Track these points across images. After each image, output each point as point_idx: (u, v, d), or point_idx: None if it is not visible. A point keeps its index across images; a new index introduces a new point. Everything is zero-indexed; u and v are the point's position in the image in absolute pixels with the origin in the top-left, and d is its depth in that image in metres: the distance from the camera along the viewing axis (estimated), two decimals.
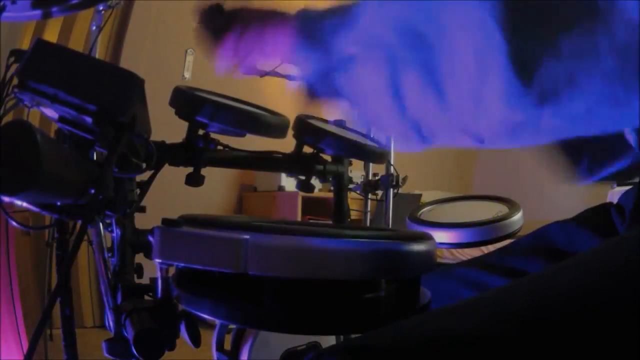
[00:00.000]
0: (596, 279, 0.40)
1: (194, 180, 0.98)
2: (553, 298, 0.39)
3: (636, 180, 0.69)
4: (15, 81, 0.63)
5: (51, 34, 2.52)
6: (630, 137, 0.63)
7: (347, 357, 0.38)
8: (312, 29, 0.48)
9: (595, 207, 0.79)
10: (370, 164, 1.64)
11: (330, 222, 1.37)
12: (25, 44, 2.34)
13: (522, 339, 0.35)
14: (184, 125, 0.99)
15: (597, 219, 0.76)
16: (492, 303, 0.40)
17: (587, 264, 0.43)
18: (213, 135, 1.01)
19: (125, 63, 2.79)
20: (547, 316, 0.37)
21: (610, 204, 0.76)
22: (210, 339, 0.73)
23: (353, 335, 0.45)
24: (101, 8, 1.24)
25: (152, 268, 0.66)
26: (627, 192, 0.73)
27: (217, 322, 0.71)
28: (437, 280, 0.77)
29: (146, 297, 0.77)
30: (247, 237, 0.49)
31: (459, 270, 0.79)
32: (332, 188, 1.19)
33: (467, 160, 5.58)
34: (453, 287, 0.78)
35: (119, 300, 0.77)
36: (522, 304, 0.39)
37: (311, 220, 2.55)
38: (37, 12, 0.81)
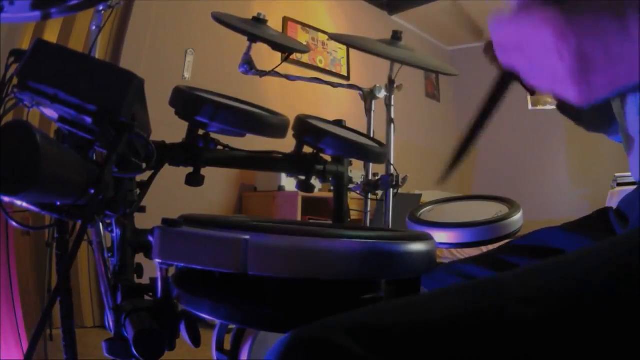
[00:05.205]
0: (601, 275, 0.40)
1: (194, 180, 0.98)
2: (568, 282, 0.39)
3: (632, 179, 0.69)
4: (15, 81, 0.63)
5: (51, 34, 2.52)
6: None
7: (363, 337, 0.37)
8: None
9: (593, 214, 0.79)
10: (370, 164, 1.64)
11: (330, 222, 1.37)
12: (25, 44, 2.34)
13: (542, 320, 0.36)
14: (184, 125, 0.99)
15: (596, 225, 0.76)
16: (506, 284, 0.41)
17: (593, 260, 0.43)
18: (213, 135, 1.01)
19: (125, 63, 2.80)
20: (562, 299, 0.37)
21: (610, 208, 0.76)
22: (210, 339, 0.73)
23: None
24: (101, 8, 1.24)
25: (152, 268, 0.66)
26: (627, 197, 0.73)
27: (217, 322, 0.71)
28: (435, 273, 0.78)
29: (146, 297, 0.77)
30: (247, 237, 0.49)
31: (459, 265, 0.80)
32: (332, 188, 1.19)
33: (467, 160, 5.57)
34: (455, 281, 0.79)
35: (119, 300, 0.77)
36: (535, 287, 0.39)
37: (311, 220, 2.55)
38: (36, 14, 0.81)
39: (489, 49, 0.93)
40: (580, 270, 0.41)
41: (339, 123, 1.23)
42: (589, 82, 0.40)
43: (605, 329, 0.36)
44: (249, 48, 1.43)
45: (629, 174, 0.71)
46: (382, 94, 1.66)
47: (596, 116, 0.88)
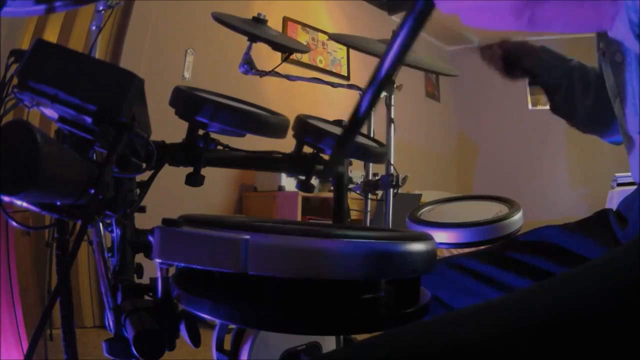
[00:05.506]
0: (609, 286, 0.37)
1: (194, 180, 0.98)
2: (568, 306, 0.37)
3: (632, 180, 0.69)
4: (15, 81, 0.63)
5: (51, 34, 2.52)
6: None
7: None
8: None
9: (593, 215, 0.79)
10: (370, 164, 1.64)
11: (330, 222, 1.37)
12: (25, 44, 2.34)
13: (543, 349, 0.33)
14: (184, 125, 0.99)
15: (596, 226, 0.76)
16: (504, 311, 0.39)
17: (600, 271, 0.41)
18: (213, 135, 1.01)
19: (125, 63, 2.80)
20: (566, 325, 0.34)
21: (610, 210, 0.77)
22: (210, 339, 0.73)
23: (354, 336, 0.43)
24: (101, 8, 1.24)
25: (152, 268, 0.66)
26: (626, 199, 0.73)
27: (217, 322, 0.71)
28: (440, 268, 0.78)
29: (146, 297, 0.77)
30: (247, 237, 0.49)
31: (460, 260, 0.80)
32: (332, 188, 1.19)
33: (467, 160, 5.58)
34: (455, 275, 0.79)
35: (119, 300, 0.77)
36: (537, 313, 0.37)
37: (311, 220, 2.55)
38: (40, 7, 0.81)
39: (485, 51, 0.93)
40: (580, 288, 0.38)
41: (339, 123, 1.23)
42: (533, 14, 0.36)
43: (607, 344, 0.34)
44: (249, 48, 1.43)
45: (629, 173, 0.71)
46: (382, 94, 1.66)
47: (591, 119, 0.88)
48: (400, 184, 1.54)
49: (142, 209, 0.87)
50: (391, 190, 1.55)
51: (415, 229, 1.11)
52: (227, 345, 0.73)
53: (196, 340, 0.65)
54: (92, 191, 0.61)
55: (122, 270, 0.83)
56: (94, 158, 0.74)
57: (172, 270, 0.63)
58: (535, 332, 0.34)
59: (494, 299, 0.41)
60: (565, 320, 0.35)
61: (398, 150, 1.67)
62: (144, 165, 0.74)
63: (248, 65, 1.47)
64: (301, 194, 3.06)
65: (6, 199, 0.52)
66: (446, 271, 0.81)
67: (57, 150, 0.56)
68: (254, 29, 1.33)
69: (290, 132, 1.07)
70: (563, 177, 5.01)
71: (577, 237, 0.75)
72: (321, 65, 4.04)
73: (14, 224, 0.65)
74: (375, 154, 1.16)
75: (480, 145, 5.55)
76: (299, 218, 3.05)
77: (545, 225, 0.80)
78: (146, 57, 2.95)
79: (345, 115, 1.39)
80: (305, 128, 1.07)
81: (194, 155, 0.97)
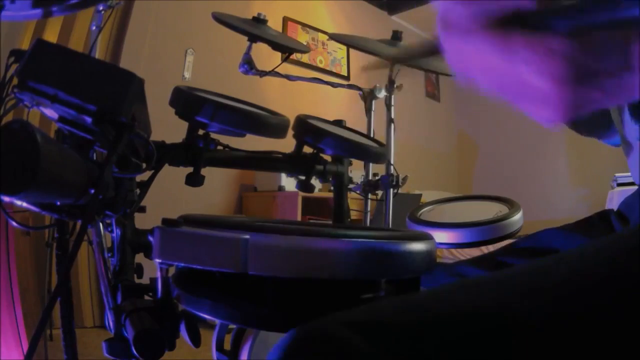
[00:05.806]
0: (618, 262, 0.40)
1: (194, 180, 0.98)
2: (576, 277, 0.39)
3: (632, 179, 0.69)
4: (15, 81, 0.63)
5: (51, 34, 2.52)
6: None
7: (367, 332, 0.37)
8: None
9: (594, 215, 0.79)
10: (370, 164, 1.64)
11: (330, 222, 1.37)
12: (25, 44, 2.34)
13: (550, 316, 0.36)
14: (184, 125, 0.99)
15: (597, 226, 0.76)
16: (508, 281, 0.41)
17: (603, 249, 0.43)
18: (213, 135, 1.01)
19: (125, 63, 2.80)
20: (574, 296, 0.37)
21: (611, 211, 0.77)
22: (210, 339, 0.73)
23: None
24: (101, 8, 1.24)
25: (152, 268, 0.66)
26: (627, 199, 0.73)
27: (217, 322, 0.71)
28: (437, 275, 0.78)
29: (146, 297, 0.77)
30: (247, 237, 0.49)
31: (460, 267, 0.80)
32: (332, 188, 1.19)
33: (467, 160, 5.58)
34: (453, 281, 0.79)
35: (119, 300, 0.77)
36: (543, 282, 0.39)
37: (311, 220, 2.55)
38: (37, 12, 0.81)
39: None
40: (579, 268, 0.41)
41: (339, 123, 1.23)
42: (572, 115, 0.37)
43: (606, 329, 0.35)
44: (249, 48, 1.43)
45: (629, 173, 0.71)
46: (382, 94, 1.66)
47: (590, 121, 0.88)
48: (400, 184, 1.54)
49: (142, 209, 0.87)
50: (391, 190, 1.55)
51: (415, 229, 1.11)
52: (227, 345, 0.73)
53: (196, 340, 0.65)
54: (92, 191, 0.61)
55: (122, 270, 0.83)
56: (94, 158, 0.75)
57: (172, 270, 0.63)
58: (541, 301, 0.37)
59: (492, 274, 0.43)
60: (567, 292, 0.37)
61: (398, 150, 1.67)
62: (144, 165, 0.74)
63: (248, 65, 1.47)
64: (301, 194, 3.06)
65: (6, 199, 0.52)
66: (444, 278, 0.81)
67: (57, 150, 0.56)
68: (254, 29, 1.33)
69: (290, 132, 1.07)
70: (563, 177, 5.01)
71: (578, 240, 0.75)
72: (321, 65, 4.04)
73: (14, 224, 0.65)
74: (375, 154, 1.16)
75: (480, 145, 5.55)
76: (299, 218, 3.05)
77: (544, 229, 0.79)
78: (146, 57, 2.95)
79: (345, 115, 1.39)
80: (305, 128, 1.07)
81: (194, 155, 0.97)
